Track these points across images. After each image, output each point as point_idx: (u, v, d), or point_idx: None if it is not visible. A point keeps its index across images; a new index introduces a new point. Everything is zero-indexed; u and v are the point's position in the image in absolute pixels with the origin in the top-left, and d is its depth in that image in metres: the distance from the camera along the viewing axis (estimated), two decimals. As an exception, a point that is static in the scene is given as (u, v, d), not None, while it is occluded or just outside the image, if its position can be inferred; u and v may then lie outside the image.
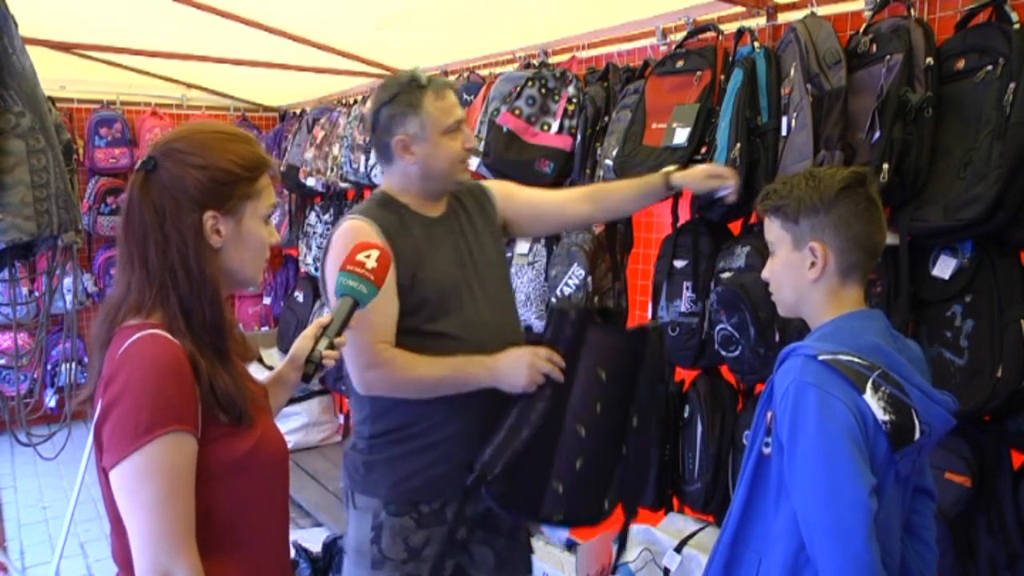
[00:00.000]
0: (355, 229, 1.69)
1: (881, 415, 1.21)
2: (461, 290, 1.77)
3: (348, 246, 1.58)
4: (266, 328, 5.39)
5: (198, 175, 1.16)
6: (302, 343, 1.40)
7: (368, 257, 1.41)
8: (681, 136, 2.17)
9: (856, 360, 1.24)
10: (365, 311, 1.63)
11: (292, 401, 4.24)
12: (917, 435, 1.22)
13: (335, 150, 4.01)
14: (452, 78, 3.48)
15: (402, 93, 1.69)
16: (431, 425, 1.73)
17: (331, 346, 1.37)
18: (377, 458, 1.76)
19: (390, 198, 1.78)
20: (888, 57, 1.77)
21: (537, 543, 2.72)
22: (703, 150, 2.15)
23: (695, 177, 1.88)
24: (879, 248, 1.34)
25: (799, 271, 1.35)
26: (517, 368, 1.67)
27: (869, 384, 1.22)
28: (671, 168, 1.93)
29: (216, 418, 1.13)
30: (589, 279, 2.53)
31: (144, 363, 1.09)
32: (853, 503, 1.17)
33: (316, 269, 4.42)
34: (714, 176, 1.87)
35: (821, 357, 1.25)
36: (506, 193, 1.96)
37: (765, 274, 1.41)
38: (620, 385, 1.75)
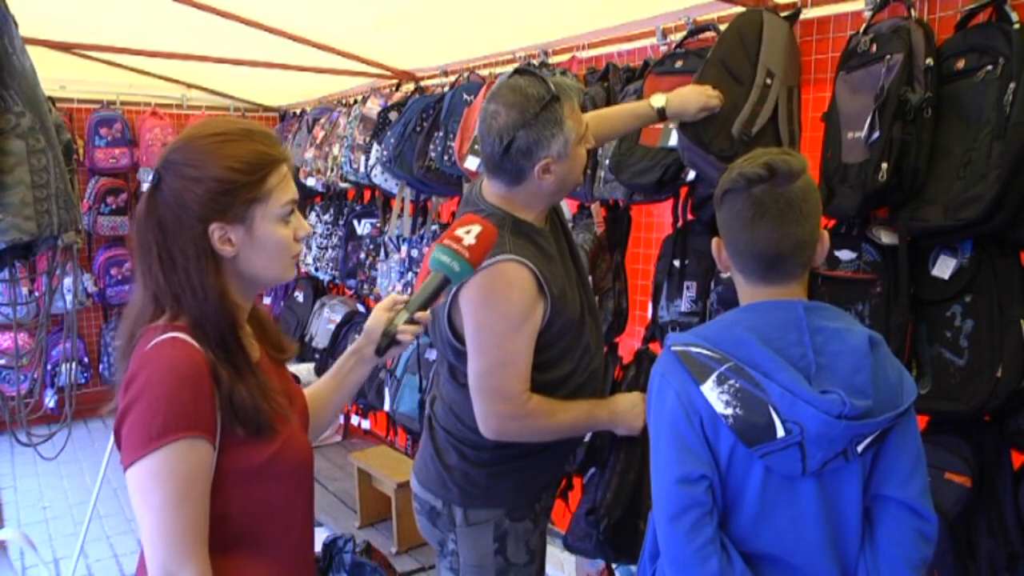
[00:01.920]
0: (519, 278, 1.56)
1: (721, 408, 1.20)
2: (583, 310, 1.72)
3: (512, 295, 1.54)
4: (266, 328, 5.39)
5: (196, 189, 1.11)
6: (377, 315, 1.34)
7: (468, 232, 1.32)
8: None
9: (706, 352, 1.23)
10: (515, 353, 1.57)
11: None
12: (781, 433, 1.17)
13: (335, 150, 4.01)
14: (452, 78, 3.48)
15: (543, 112, 1.53)
16: None
17: (411, 321, 1.30)
18: (506, 468, 1.72)
19: (519, 221, 1.63)
20: (888, 57, 1.77)
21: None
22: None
23: (688, 111, 1.86)
24: (767, 254, 1.24)
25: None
26: (635, 412, 1.71)
27: (713, 377, 1.21)
28: (660, 100, 1.86)
29: (234, 430, 1.12)
30: (589, 279, 2.53)
31: (162, 367, 1.08)
32: (659, 484, 1.24)
33: (316, 269, 4.42)
34: (704, 108, 1.86)
35: (673, 348, 1.27)
36: None
37: None
38: None
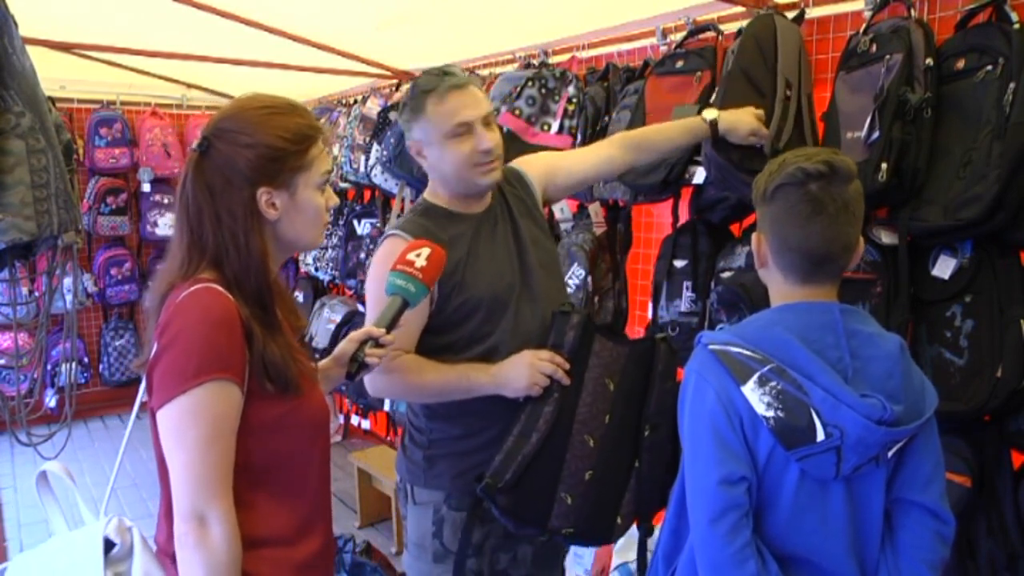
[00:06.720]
0: (392, 246, 1.65)
1: (762, 410, 1.19)
2: (513, 293, 1.73)
3: (385, 265, 1.55)
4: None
5: (248, 153, 1.19)
6: (347, 345, 1.42)
7: (418, 256, 1.40)
8: (681, 136, 2.17)
9: (746, 352, 1.22)
10: None
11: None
12: (821, 436, 1.17)
13: (335, 150, 4.01)
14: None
15: (411, 100, 1.69)
16: (488, 420, 1.71)
17: (377, 344, 1.38)
18: (439, 452, 1.76)
19: (429, 204, 1.77)
20: (888, 57, 1.77)
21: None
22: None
23: (739, 132, 1.88)
24: (817, 253, 1.24)
25: (756, 256, 1.34)
26: (517, 370, 1.64)
27: (754, 378, 1.20)
28: (713, 113, 1.90)
29: (262, 385, 1.17)
30: (589, 279, 2.53)
31: (198, 312, 1.14)
32: (699, 485, 1.22)
33: (316, 269, 4.42)
34: (753, 134, 1.89)
35: (711, 347, 1.26)
36: (544, 172, 1.90)
37: None
38: (630, 396, 1.71)
